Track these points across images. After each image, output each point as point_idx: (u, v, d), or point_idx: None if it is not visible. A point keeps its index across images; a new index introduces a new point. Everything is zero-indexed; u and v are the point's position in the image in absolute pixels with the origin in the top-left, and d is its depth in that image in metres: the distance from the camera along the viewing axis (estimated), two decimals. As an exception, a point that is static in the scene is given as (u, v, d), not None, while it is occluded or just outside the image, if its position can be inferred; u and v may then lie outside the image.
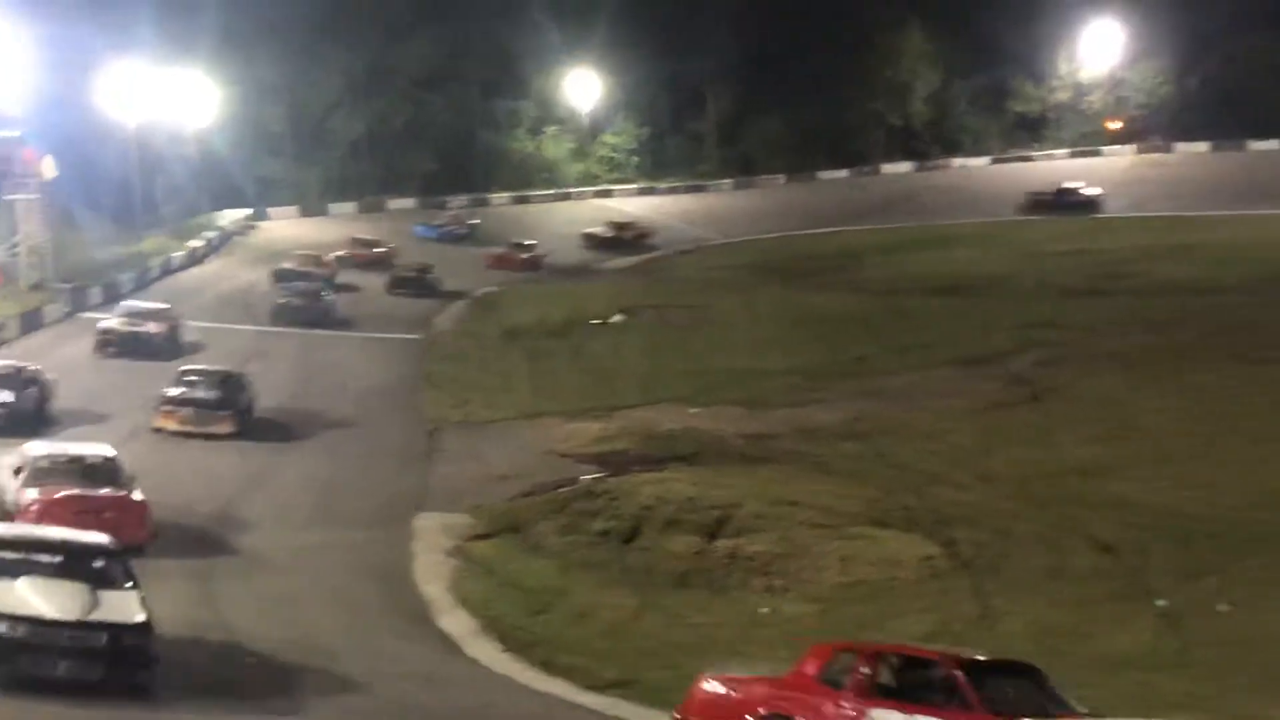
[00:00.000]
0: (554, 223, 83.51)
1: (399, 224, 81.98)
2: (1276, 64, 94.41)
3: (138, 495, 26.67)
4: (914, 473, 39.20)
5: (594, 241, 79.52)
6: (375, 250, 73.54)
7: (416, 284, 66.92)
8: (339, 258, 70.56)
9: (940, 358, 52.34)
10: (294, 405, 44.12)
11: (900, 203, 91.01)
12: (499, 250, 75.31)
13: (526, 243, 76.17)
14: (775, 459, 40.01)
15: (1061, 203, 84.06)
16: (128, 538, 22.76)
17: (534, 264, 74.26)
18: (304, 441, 39.76)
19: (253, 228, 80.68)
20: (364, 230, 77.41)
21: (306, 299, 57.66)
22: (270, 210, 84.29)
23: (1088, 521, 34.72)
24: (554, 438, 41.95)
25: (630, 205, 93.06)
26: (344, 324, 57.91)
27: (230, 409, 38.43)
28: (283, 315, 56.53)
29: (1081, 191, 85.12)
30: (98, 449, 28.49)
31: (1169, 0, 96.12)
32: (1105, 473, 38.76)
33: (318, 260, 67.39)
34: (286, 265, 65.74)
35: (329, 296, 59.55)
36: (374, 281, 67.69)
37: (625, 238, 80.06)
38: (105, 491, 26.31)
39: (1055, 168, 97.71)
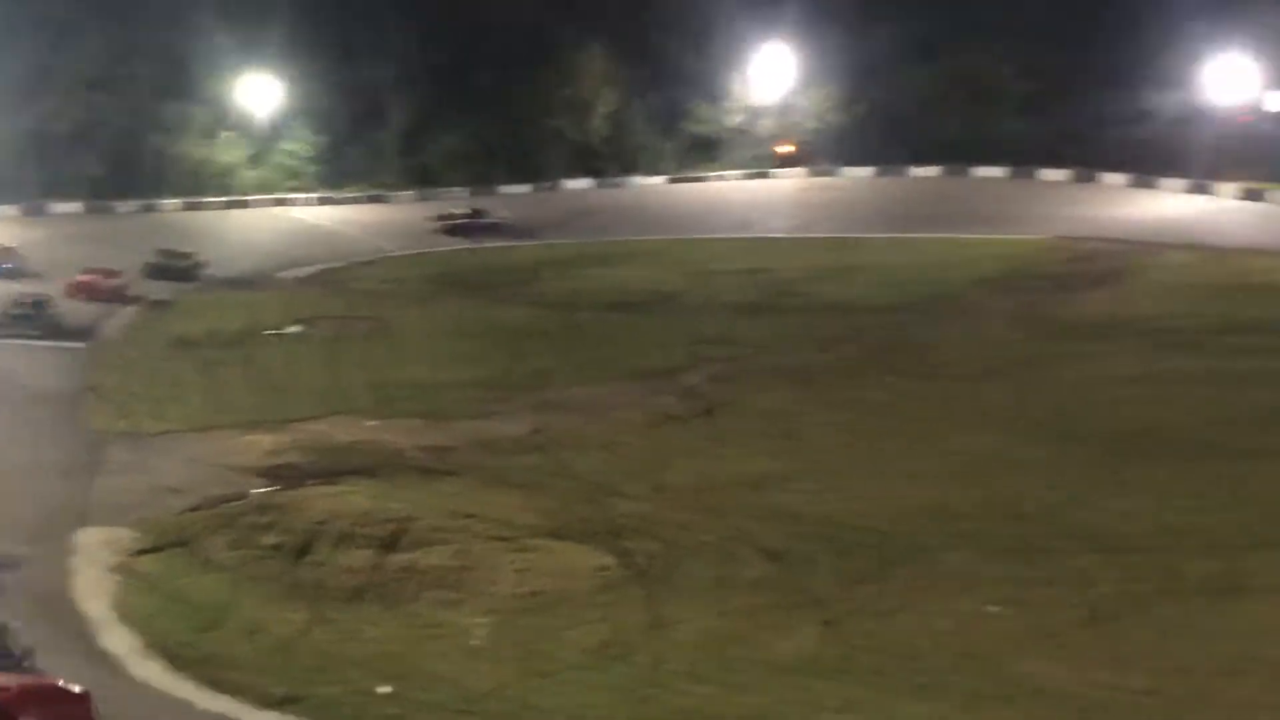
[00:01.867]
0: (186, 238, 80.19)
1: (56, 230, 78.45)
2: (936, 94, 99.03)
3: (75, 686, 18.89)
4: (591, 484, 39.68)
5: (150, 270, 74.83)
6: None
7: (33, 320, 57.64)
8: None
9: (617, 372, 53.06)
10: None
11: (579, 218, 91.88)
12: (83, 277, 66.83)
13: (112, 269, 68.24)
14: (454, 472, 39.95)
15: (472, 226, 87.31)
16: None
17: (119, 293, 66.58)
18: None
19: (-95, 230, 76.04)
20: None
21: None
22: (-74, 212, 79.74)
23: (757, 532, 35.73)
24: (225, 450, 40.93)
25: (309, 214, 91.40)
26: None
27: None
28: None
29: (490, 215, 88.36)
30: None
31: (838, 29, 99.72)
32: (774, 484, 39.89)
33: None
34: None
35: None
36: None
37: (182, 265, 75.38)
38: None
39: (729, 188, 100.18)
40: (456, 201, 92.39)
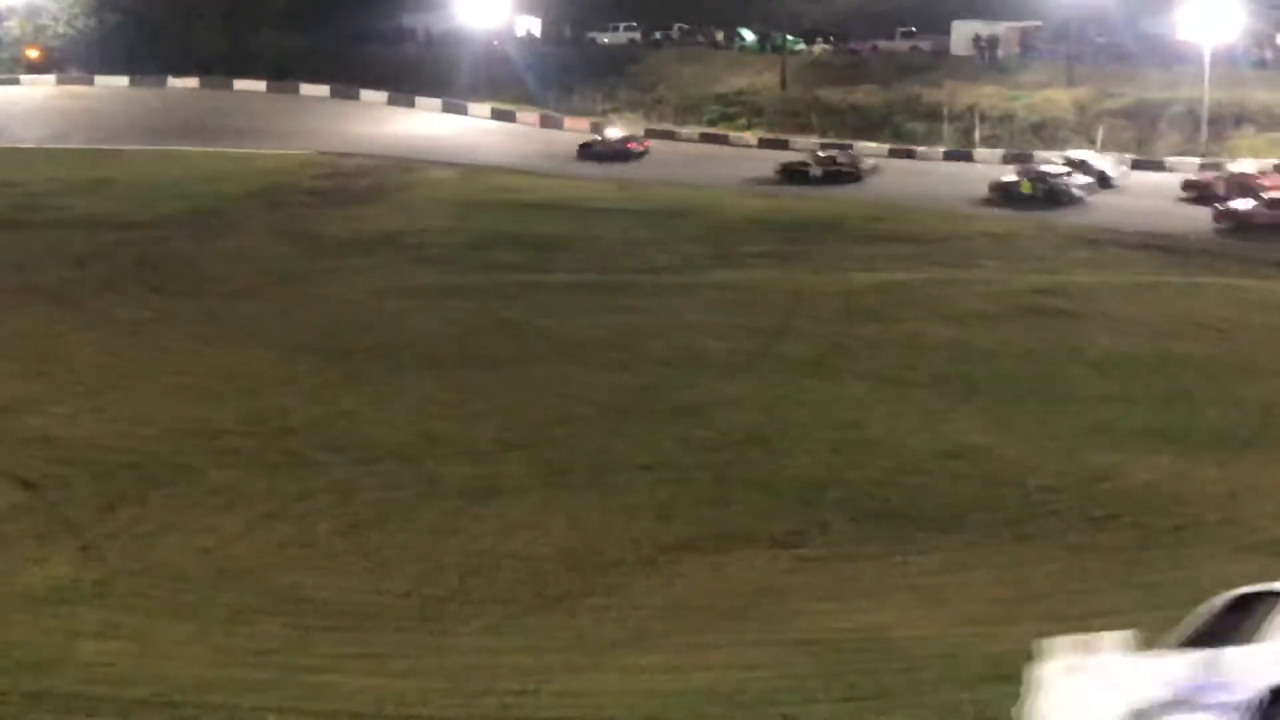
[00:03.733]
0: None
1: None
2: (192, 3, 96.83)
3: None
4: None
5: None
6: None
7: None
8: None
9: None
10: None
11: None
12: None
13: None
14: None
15: None
16: None
17: None
18: None
19: None
20: None
21: None
22: None
23: (8, 459, 34.02)
24: None
25: None
26: None
27: None
28: None
29: None
30: None
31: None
32: (27, 409, 38.09)
33: None
34: None
35: None
36: None
37: None
38: None
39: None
40: None
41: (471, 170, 71.53)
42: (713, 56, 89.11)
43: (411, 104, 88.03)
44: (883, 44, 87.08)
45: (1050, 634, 24.12)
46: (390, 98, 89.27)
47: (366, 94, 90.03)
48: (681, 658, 24.21)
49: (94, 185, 68.23)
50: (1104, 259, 53.54)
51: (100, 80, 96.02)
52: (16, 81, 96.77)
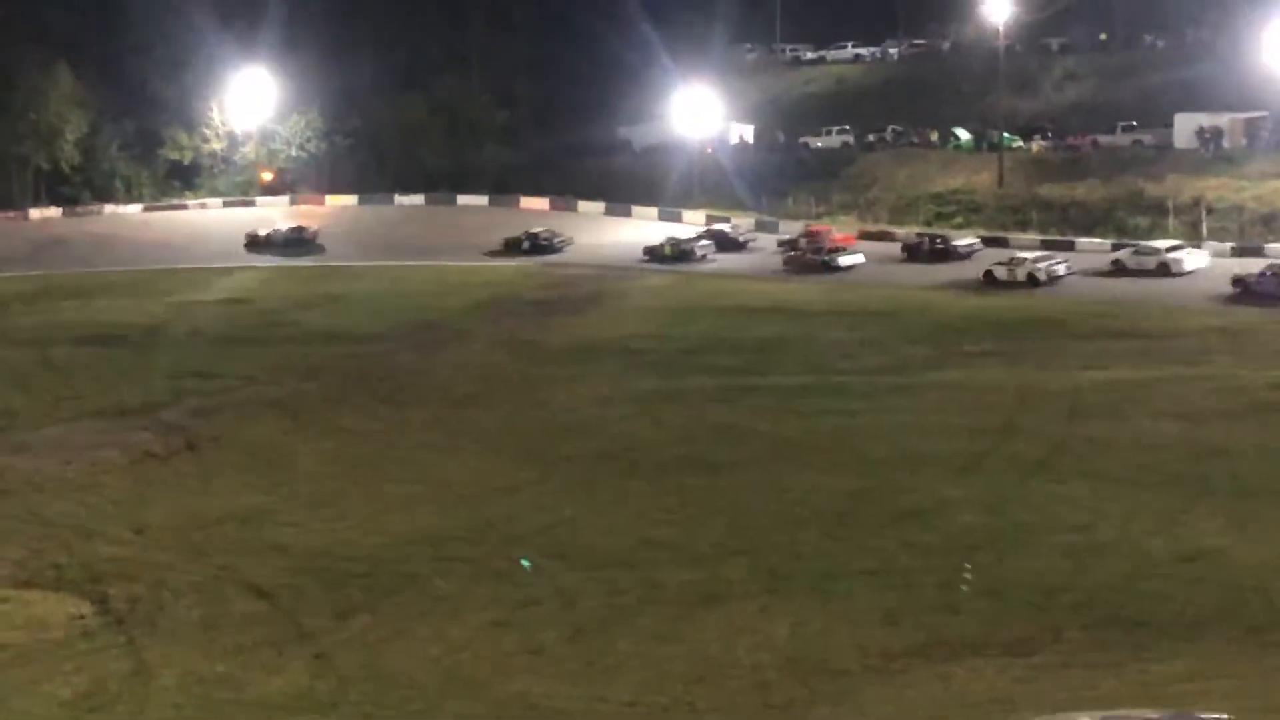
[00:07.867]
0: None
1: None
2: (417, 123, 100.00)
3: None
4: (65, 529, 37.90)
5: None
6: None
7: None
8: None
9: (92, 408, 50.83)
10: None
11: (49, 249, 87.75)
12: None
13: None
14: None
15: None
16: None
17: None
18: None
19: None
20: None
21: None
22: None
23: (245, 569, 34.96)
24: None
25: None
26: None
27: None
28: None
29: None
30: None
31: (318, 57, 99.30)
32: (263, 519, 39.15)
33: None
34: None
35: None
36: None
37: None
38: None
39: (210, 217, 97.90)
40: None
41: (685, 276, 72.16)
42: (927, 156, 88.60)
43: (628, 213, 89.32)
44: (1103, 139, 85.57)
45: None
46: (607, 208, 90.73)
47: (584, 204, 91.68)
48: (912, 769, 23.66)
49: (323, 301, 70.48)
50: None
51: (330, 199, 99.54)
52: (252, 203, 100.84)
